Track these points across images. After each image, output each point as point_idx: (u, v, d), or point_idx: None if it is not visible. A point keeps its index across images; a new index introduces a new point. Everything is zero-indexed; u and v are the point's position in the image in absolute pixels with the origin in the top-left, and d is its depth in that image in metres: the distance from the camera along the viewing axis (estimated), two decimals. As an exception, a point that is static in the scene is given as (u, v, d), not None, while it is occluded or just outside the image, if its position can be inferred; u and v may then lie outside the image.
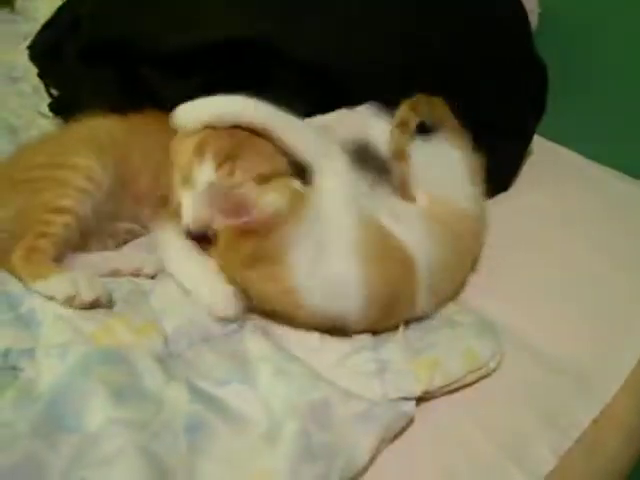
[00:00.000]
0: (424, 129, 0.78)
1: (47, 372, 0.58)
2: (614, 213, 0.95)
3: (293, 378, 0.59)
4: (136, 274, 0.75)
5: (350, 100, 0.79)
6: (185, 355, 0.63)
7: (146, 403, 0.55)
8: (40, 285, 0.66)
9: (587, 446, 0.63)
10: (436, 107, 0.79)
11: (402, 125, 0.74)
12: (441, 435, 0.60)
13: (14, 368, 0.61)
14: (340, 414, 0.56)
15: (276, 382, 0.58)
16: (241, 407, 0.57)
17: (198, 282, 0.70)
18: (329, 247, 0.64)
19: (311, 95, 0.80)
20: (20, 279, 0.68)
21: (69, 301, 0.64)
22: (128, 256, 0.78)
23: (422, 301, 0.69)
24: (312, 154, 0.71)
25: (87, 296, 0.65)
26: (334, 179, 0.69)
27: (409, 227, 0.69)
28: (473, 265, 0.79)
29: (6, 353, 0.62)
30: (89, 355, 0.57)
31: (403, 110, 0.75)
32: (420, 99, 0.76)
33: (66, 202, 0.72)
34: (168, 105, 0.78)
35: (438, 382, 0.62)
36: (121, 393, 0.54)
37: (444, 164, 0.78)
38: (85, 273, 0.68)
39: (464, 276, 0.77)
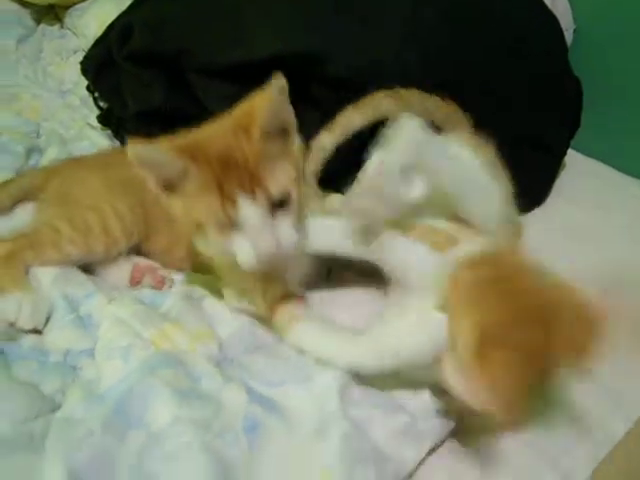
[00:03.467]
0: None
1: (110, 373, 0.61)
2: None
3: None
4: None
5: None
6: (240, 359, 0.66)
7: (207, 404, 0.58)
8: None
9: (621, 457, 0.64)
10: (439, 105, 0.77)
11: None
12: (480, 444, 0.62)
13: (74, 367, 0.65)
14: (387, 424, 0.59)
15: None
16: (296, 406, 0.60)
17: None
18: None
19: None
20: None
21: (7, 324, 0.67)
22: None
23: None
24: None
25: (25, 324, 0.67)
26: None
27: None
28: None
29: (66, 353, 0.66)
30: (151, 358, 0.61)
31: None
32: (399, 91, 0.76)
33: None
34: (210, 107, 0.84)
35: None
36: (183, 394, 0.58)
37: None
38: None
39: None
